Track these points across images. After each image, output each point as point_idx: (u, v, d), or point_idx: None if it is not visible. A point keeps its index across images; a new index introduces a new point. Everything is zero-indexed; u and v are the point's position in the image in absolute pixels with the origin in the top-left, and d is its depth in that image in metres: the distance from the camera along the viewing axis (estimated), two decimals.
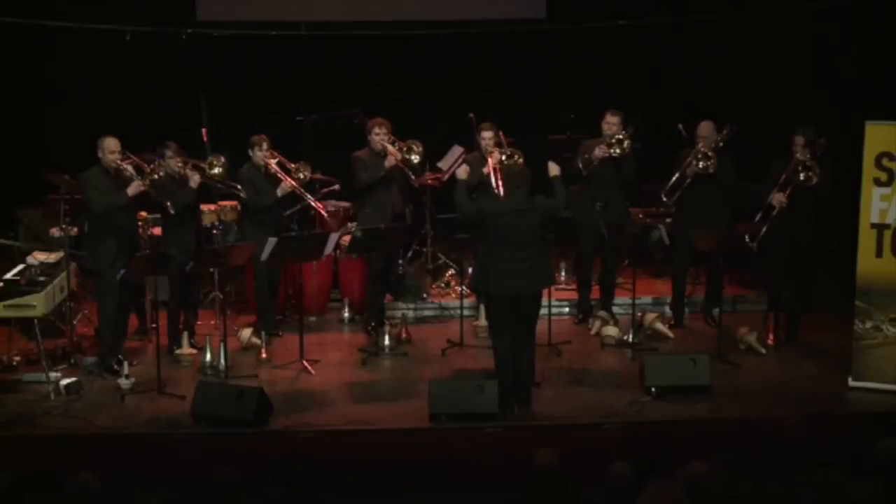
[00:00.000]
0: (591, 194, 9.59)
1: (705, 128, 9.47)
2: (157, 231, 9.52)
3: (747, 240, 8.96)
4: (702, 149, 9.34)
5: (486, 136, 9.57)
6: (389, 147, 9.50)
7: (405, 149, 9.53)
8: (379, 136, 9.54)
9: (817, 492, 5.39)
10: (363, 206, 9.72)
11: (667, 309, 9.97)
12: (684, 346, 9.30)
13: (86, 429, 7.63)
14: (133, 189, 8.53)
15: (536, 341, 8.24)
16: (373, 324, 9.58)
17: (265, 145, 9.44)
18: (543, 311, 8.45)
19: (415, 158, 9.58)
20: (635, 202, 10.66)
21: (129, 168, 8.58)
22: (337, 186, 10.60)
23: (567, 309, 10.22)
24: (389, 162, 9.49)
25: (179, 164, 8.94)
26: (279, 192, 9.41)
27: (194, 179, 8.93)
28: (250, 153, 9.44)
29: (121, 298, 8.70)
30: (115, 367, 8.56)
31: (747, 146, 9.64)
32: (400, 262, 10.54)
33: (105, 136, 8.63)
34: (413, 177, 9.71)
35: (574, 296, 10.20)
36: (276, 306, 9.82)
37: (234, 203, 10.03)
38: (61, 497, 5.64)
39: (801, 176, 8.81)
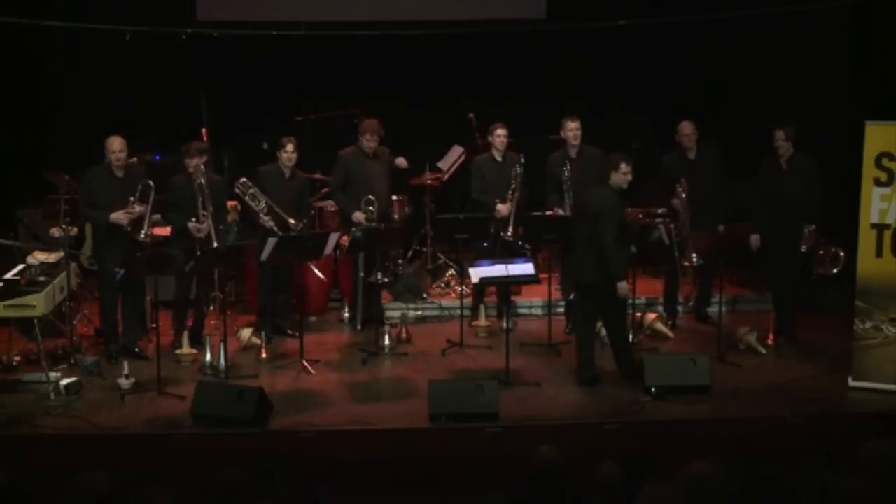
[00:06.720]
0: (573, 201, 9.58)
1: (686, 127, 9.52)
2: (158, 231, 9.52)
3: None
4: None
5: (500, 133, 9.60)
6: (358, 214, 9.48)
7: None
8: (369, 141, 9.56)
9: (816, 491, 5.39)
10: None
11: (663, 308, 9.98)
12: (684, 346, 9.30)
13: (86, 429, 7.61)
14: (116, 218, 8.64)
15: (538, 341, 8.24)
16: (362, 321, 9.67)
17: (290, 146, 9.30)
18: (543, 311, 8.43)
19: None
20: (636, 202, 10.63)
21: (135, 212, 8.70)
22: None
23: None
24: (358, 217, 9.47)
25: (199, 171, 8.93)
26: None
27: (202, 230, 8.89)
28: (278, 154, 9.32)
29: (124, 295, 8.84)
30: (137, 350, 8.80)
31: (748, 146, 9.64)
32: (400, 262, 10.53)
33: (112, 135, 8.73)
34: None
35: None
36: (288, 304, 9.69)
37: (234, 203, 10.02)
38: (63, 497, 5.63)
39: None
